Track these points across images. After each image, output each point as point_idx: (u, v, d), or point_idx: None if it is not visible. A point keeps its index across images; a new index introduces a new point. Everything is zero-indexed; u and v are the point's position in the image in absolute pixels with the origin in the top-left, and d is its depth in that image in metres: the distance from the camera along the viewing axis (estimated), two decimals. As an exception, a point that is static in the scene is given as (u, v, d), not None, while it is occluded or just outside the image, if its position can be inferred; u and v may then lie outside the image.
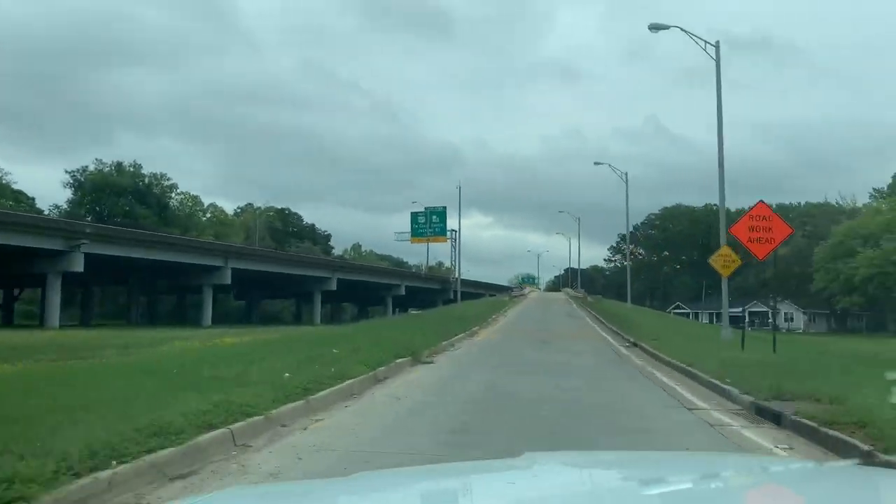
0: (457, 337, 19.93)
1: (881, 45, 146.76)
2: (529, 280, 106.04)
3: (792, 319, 76.95)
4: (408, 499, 1.63)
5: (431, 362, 13.88)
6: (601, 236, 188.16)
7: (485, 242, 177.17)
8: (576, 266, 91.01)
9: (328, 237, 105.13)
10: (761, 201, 15.76)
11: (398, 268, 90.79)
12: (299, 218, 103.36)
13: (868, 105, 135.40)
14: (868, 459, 5.25)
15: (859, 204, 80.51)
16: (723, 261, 18.83)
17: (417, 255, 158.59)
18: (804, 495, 1.58)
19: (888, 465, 5.10)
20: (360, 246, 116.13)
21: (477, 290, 78.33)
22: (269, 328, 34.89)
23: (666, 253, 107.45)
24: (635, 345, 19.10)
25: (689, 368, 12.18)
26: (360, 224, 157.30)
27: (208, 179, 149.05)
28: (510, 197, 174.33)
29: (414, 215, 73.30)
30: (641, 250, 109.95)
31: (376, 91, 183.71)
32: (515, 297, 58.83)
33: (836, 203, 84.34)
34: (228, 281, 57.14)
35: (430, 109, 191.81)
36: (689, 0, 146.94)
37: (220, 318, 58.75)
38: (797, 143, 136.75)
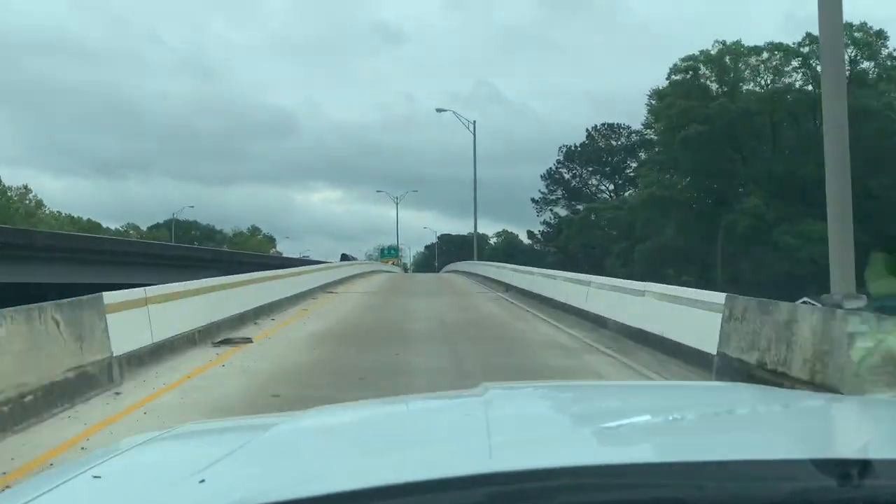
0: None
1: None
2: (391, 253, 68.74)
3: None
4: (355, 433, 1.60)
5: None
6: (457, 208, 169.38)
7: (339, 217, 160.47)
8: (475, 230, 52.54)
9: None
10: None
11: None
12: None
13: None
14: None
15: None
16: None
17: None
18: (752, 410, 1.59)
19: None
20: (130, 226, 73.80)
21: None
22: None
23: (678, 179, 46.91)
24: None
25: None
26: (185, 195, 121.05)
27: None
28: (356, 167, 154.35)
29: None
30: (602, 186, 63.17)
31: (184, 47, 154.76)
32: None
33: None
34: None
35: (254, 70, 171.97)
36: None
37: None
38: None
